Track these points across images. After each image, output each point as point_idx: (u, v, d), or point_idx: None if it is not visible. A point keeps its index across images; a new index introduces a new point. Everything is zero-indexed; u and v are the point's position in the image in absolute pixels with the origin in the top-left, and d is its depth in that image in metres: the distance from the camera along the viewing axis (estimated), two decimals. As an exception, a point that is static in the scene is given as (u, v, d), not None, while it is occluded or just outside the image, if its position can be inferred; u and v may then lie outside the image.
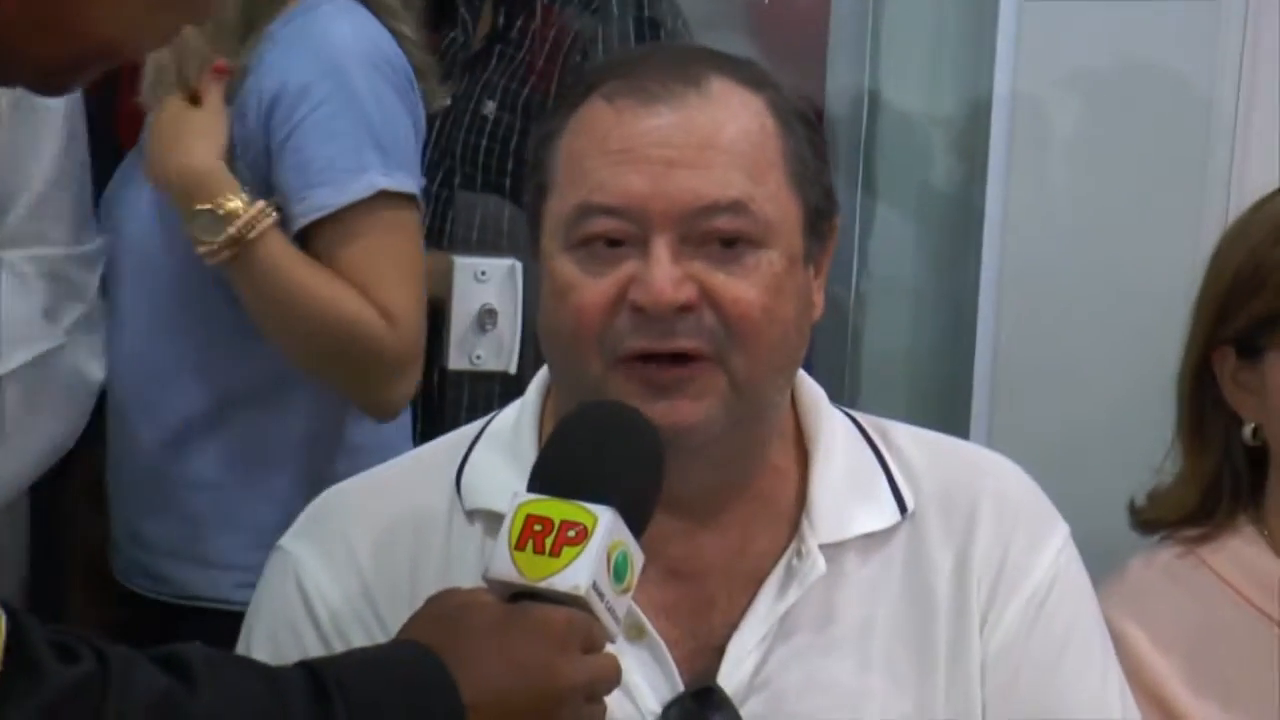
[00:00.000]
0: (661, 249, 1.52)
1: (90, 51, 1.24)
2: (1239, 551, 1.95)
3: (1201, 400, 1.98)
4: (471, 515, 1.62)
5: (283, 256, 2.35)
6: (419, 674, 1.33)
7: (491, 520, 1.58)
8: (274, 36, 2.39)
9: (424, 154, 2.72)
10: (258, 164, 2.38)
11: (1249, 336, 1.92)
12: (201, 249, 2.34)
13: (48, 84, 1.27)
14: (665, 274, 1.51)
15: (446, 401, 2.86)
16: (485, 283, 2.72)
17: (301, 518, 1.70)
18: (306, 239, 2.37)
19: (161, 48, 1.31)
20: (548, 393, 1.67)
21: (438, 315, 2.66)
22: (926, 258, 3.06)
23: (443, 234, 2.94)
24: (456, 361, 2.72)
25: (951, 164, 3.06)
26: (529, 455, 1.55)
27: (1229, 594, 1.94)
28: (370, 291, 2.35)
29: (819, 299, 1.63)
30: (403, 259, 2.38)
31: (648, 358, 1.53)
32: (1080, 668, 1.66)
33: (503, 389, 2.76)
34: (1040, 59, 2.91)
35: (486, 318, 2.72)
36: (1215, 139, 2.73)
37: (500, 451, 1.64)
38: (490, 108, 2.95)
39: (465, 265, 2.71)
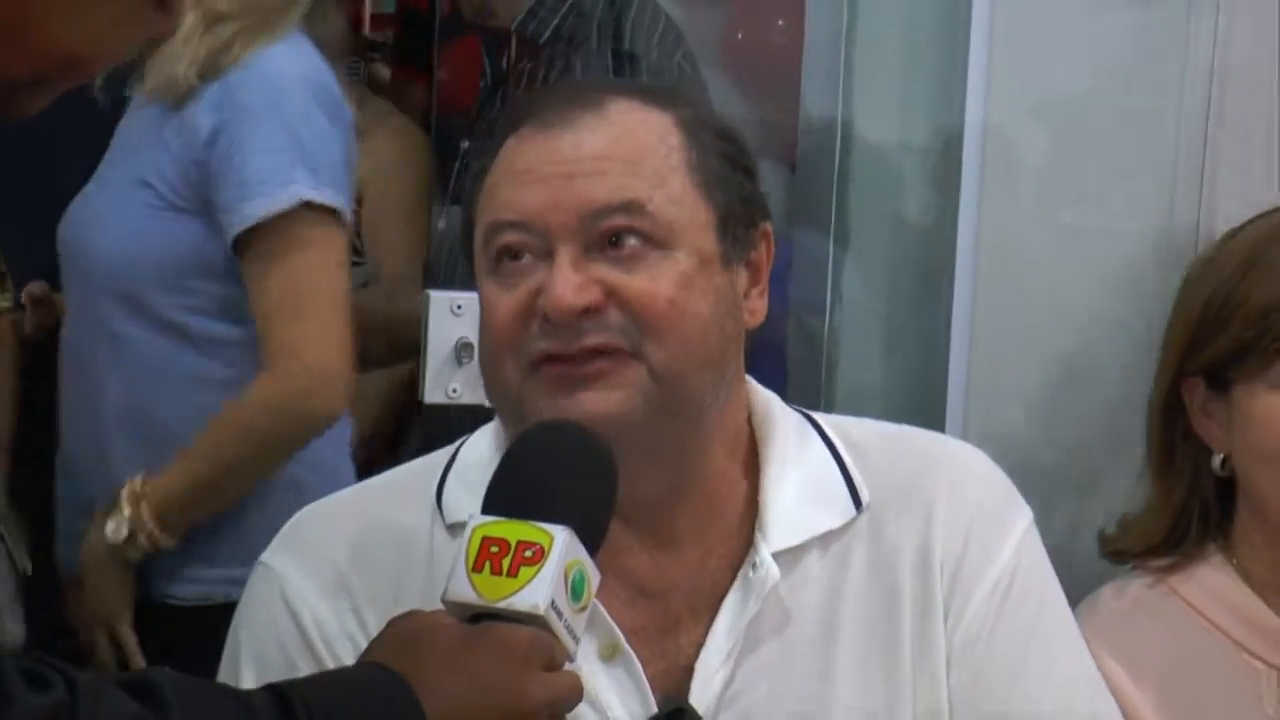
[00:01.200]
0: (563, 257, 1.57)
1: (52, 66, 1.23)
2: (1208, 580, 1.95)
3: (1171, 431, 1.99)
4: (453, 529, 1.64)
5: (166, 479, 2.55)
6: (384, 696, 1.34)
7: None
8: None
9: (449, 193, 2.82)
10: (202, 184, 2.54)
11: (1218, 368, 1.93)
12: (150, 555, 2.57)
13: (8, 103, 1.26)
14: (566, 280, 1.56)
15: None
16: (461, 316, 2.72)
17: (282, 535, 1.72)
18: (240, 252, 2.53)
19: (122, 60, 1.31)
20: None
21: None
22: (900, 289, 3.07)
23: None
24: (432, 395, 2.71)
25: (925, 195, 3.06)
26: None
27: (1199, 623, 1.94)
28: (271, 327, 2.53)
29: (758, 305, 1.66)
30: (317, 281, 2.55)
31: (559, 359, 1.56)
32: (1047, 658, 1.67)
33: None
34: (1011, 90, 2.92)
35: (463, 351, 2.71)
36: (1184, 169, 2.74)
37: (479, 468, 1.65)
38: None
39: (440, 299, 2.70)
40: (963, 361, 2.88)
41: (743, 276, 1.64)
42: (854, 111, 3.05)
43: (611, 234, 1.57)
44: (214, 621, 2.49)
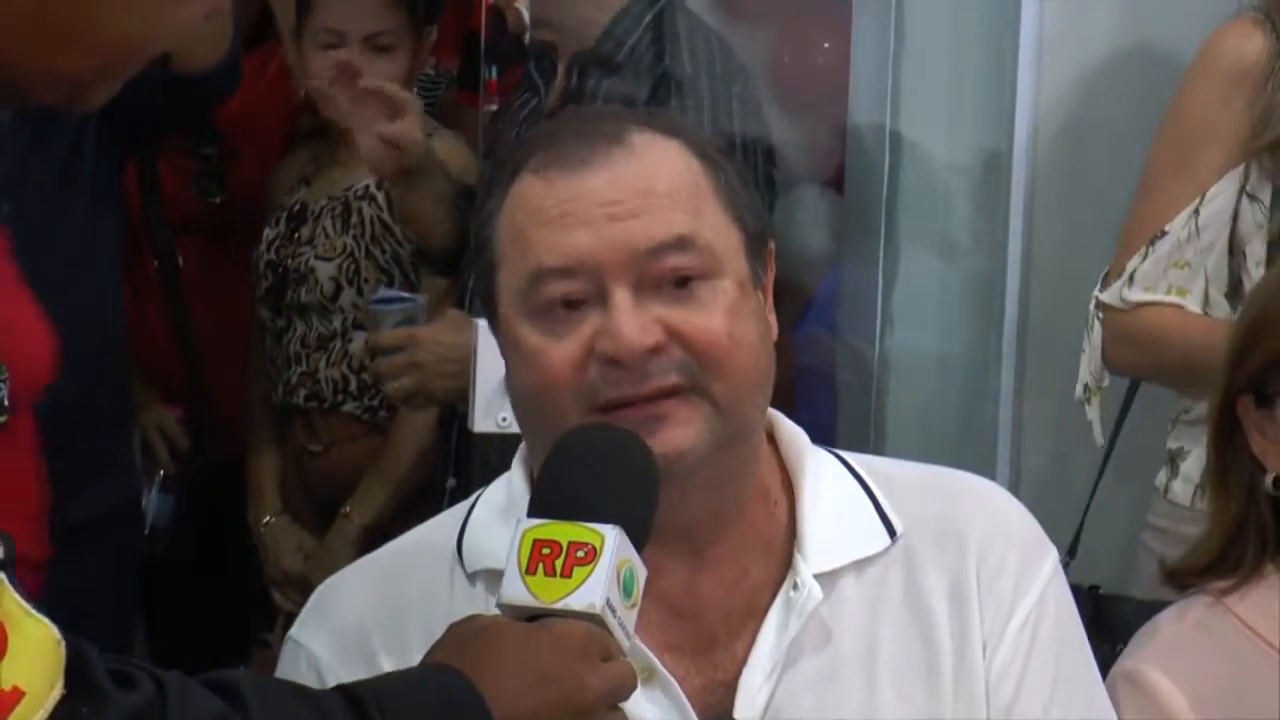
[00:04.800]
0: (621, 297, 1.57)
1: (114, 57, 1.25)
2: (1266, 601, 1.94)
3: (1225, 449, 1.97)
4: (474, 577, 1.66)
5: None
6: (449, 692, 1.37)
7: (494, 579, 1.59)
8: None
9: None
10: None
11: (1261, 383, 1.92)
12: None
13: (76, 97, 1.28)
14: (630, 321, 1.56)
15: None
16: (511, 345, 2.71)
17: (307, 609, 1.73)
18: None
19: (181, 40, 1.30)
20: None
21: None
22: (950, 312, 3.06)
23: None
24: (482, 425, 2.71)
25: (974, 216, 3.06)
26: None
27: (1258, 644, 1.92)
28: None
29: (772, 319, 1.68)
30: None
31: (628, 403, 1.57)
32: (1073, 686, 1.71)
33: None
34: (1059, 109, 2.92)
35: (512, 380, 2.70)
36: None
37: (497, 515, 1.68)
38: None
39: (488, 328, 2.70)
40: (1013, 384, 2.88)
41: (760, 295, 1.67)
42: (901, 133, 3.05)
43: (666, 273, 1.58)
44: None
